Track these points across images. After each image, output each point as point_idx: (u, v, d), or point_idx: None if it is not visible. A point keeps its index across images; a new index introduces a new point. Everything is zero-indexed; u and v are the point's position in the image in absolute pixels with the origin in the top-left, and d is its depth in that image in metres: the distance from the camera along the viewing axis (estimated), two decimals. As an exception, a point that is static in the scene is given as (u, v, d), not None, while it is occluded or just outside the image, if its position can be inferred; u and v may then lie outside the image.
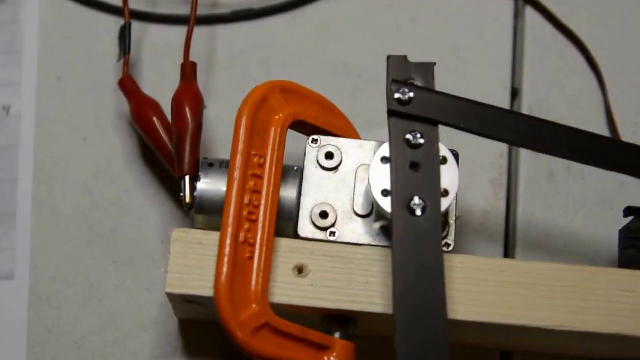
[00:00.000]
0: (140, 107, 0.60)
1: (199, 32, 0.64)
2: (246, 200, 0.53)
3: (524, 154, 0.64)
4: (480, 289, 0.54)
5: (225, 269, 0.52)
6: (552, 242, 0.62)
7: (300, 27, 0.67)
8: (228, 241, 0.52)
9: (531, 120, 0.55)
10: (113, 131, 0.64)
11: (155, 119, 0.60)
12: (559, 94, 0.65)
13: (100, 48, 0.65)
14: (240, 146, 0.54)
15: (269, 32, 0.66)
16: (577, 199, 0.63)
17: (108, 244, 0.61)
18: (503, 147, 0.63)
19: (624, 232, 0.58)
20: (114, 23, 0.65)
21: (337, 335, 0.54)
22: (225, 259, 0.52)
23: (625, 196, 0.62)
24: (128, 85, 0.61)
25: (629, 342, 0.54)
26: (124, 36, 0.62)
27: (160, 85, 0.64)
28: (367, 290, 0.54)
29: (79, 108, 0.64)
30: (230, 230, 0.52)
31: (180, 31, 0.65)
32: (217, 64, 0.65)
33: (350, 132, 0.58)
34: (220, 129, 0.63)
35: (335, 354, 0.53)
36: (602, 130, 0.64)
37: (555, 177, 0.64)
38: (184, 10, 0.66)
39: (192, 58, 0.61)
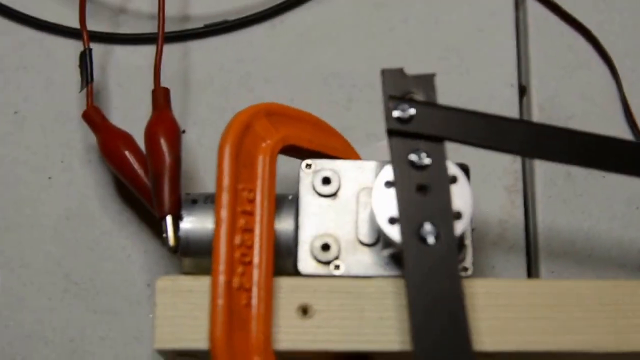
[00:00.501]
0: (109, 140, 0.54)
1: (170, 49, 0.58)
2: (237, 240, 0.48)
3: (536, 156, 0.59)
4: (506, 315, 0.49)
5: (220, 322, 0.46)
6: (578, 249, 0.58)
7: (281, 36, 0.61)
8: (220, 290, 0.46)
9: (543, 128, 0.50)
10: (82, 167, 0.58)
11: (127, 153, 0.54)
12: (570, 89, 0.60)
13: (60, 76, 0.60)
14: (226, 181, 0.48)
15: (247, 45, 0.61)
16: (600, 200, 0.58)
17: (87, 293, 0.56)
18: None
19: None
20: (74, 47, 0.60)
21: (353, 376, 0.48)
22: (219, 310, 0.46)
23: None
24: (93, 117, 0.55)
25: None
26: (85, 63, 0.56)
27: (131, 113, 0.59)
28: (382, 326, 0.48)
29: (41, 144, 0.58)
30: (222, 277, 0.47)
31: (148, 51, 0.60)
32: (193, 83, 0.59)
33: (347, 152, 0.53)
34: (202, 154, 0.58)
35: (350, 402, 0.48)
36: (620, 122, 0.60)
37: (573, 177, 0.59)
38: (150, 27, 0.60)
39: (164, 78, 0.56)
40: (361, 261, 0.49)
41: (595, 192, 0.59)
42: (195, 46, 0.60)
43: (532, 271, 0.58)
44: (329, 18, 0.61)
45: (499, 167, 0.58)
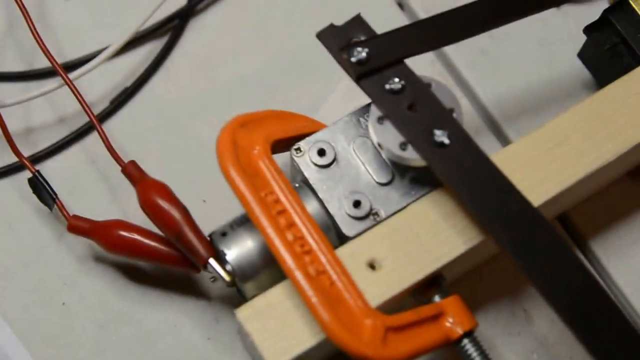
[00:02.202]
0: (110, 236, 0.55)
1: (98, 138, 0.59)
2: (290, 237, 0.50)
3: (449, 50, 0.63)
4: (535, 169, 0.53)
5: (321, 309, 0.49)
6: (529, 103, 0.62)
7: (179, 67, 0.64)
8: (304, 283, 0.49)
9: (454, 14, 0.55)
10: (85, 278, 0.58)
11: (132, 236, 0.55)
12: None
13: (11, 217, 0.60)
14: (249, 196, 0.50)
15: (159, 91, 0.63)
16: (518, 56, 0.64)
17: (159, 379, 0.57)
18: (429, 55, 0.63)
19: (593, 52, 0.59)
20: (10, 185, 0.60)
21: (437, 298, 0.52)
22: (315, 300, 0.49)
23: (549, 28, 0.64)
24: (79, 225, 0.56)
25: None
26: (40, 186, 0.57)
27: (96, 209, 0.59)
28: (442, 239, 0.52)
29: (36, 281, 0.58)
30: (298, 273, 0.49)
31: (75, 151, 0.61)
32: (137, 153, 0.60)
33: (315, 125, 0.56)
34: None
35: (451, 315, 0.51)
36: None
37: (486, 50, 0.64)
38: (65, 131, 0.61)
39: (107, 164, 0.58)
40: (391, 199, 0.53)
41: (510, 52, 0.64)
42: (117, 122, 0.62)
43: (503, 143, 0.62)
44: (206, 42, 0.65)
45: (426, 74, 0.61)
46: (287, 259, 0.50)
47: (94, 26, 0.65)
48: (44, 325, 0.57)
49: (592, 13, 0.59)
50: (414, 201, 0.53)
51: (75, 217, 0.56)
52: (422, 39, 0.53)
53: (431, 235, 0.52)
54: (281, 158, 0.55)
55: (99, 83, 0.63)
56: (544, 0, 0.56)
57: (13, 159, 0.58)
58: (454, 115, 0.52)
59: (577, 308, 0.48)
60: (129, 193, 0.57)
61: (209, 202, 0.60)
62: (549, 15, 0.58)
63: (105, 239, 0.55)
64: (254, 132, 0.53)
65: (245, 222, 0.53)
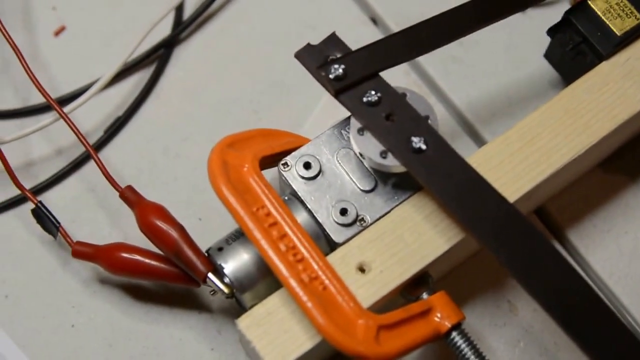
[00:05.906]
0: (114, 259, 0.58)
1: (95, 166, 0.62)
2: (282, 248, 0.53)
3: (422, 60, 0.66)
4: (509, 167, 0.56)
5: (316, 313, 0.52)
6: (501, 104, 0.65)
7: (167, 98, 0.67)
8: (299, 290, 0.52)
9: (424, 26, 0.57)
10: (91, 301, 0.61)
11: (135, 258, 0.58)
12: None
13: (20, 247, 0.63)
14: (242, 212, 0.53)
15: (150, 118, 0.66)
16: (488, 61, 0.67)
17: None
18: (403, 65, 0.65)
19: (558, 52, 0.62)
20: (14, 217, 0.63)
21: (425, 295, 0.55)
22: (309, 305, 0.52)
23: (515, 31, 0.67)
24: (83, 251, 0.59)
25: (627, 124, 0.59)
26: (43, 215, 0.59)
27: (97, 234, 0.62)
28: (425, 239, 0.55)
29: (45, 304, 0.61)
30: (293, 281, 0.52)
31: (73, 181, 0.64)
32: (133, 177, 0.64)
33: (301, 140, 0.59)
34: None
35: (439, 310, 0.54)
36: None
37: (458, 57, 0.67)
38: (62, 163, 0.64)
39: (106, 190, 0.61)
40: (376, 205, 0.56)
41: (479, 58, 0.67)
42: (112, 151, 0.65)
43: (479, 144, 0.65)
44: (191, 68, 0.68)
45: (401, 83, 0.63)
46: (282, 268, 0.53)
47: (84, 60, 0.68)
48: (55, 348, 0.60)
49: (554, 15, 0.62)
50: (397, 205, 0.56)
51: (79, 243, 0.59)
52: (395, 52, 0.56)
53: (415, 236, 0.55)
54: (269, 173, 0.58)
55: (93, 114, 0.66)
56: (510, 5, 0.59)
57: (15, 191, 0.61)
58: (429, 122, 0.55)
59: (557, 297, 0.51)
60: (128, 216, 0.60)
61: (205, 220, 0.63)
62: (514, 19, 0.61)
63: (108, 261, 0.58)
64: (242, 151, 0.56)
65: (239, 237, 0.56)
